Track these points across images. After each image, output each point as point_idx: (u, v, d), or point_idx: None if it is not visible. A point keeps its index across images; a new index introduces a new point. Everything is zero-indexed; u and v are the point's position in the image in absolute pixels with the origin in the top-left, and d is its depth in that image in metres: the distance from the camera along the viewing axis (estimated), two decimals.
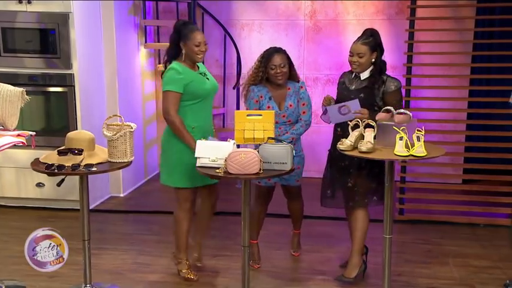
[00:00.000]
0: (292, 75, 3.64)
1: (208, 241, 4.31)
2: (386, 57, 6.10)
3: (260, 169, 2.86)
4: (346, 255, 3.81)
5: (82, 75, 4.85)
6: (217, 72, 6.06)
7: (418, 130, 2.96)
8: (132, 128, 3.10)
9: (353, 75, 3.50)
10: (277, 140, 3.05)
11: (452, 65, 5.19)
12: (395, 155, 2.89)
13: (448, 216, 4.72)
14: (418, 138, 2.93)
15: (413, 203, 4.86)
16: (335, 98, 3.58)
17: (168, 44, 3.52)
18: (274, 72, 3.53)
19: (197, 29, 3.45)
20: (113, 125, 3.12)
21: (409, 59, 4.82)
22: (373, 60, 3.40)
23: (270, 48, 3.62)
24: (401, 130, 2.91)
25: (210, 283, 3.60)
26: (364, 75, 3.43)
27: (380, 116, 3.18)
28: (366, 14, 5.92)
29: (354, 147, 3.04)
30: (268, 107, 3.56)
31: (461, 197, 5.01)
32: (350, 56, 3.43)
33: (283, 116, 3.58)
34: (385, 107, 3.23)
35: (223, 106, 6.29)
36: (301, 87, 3.65)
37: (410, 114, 3.16)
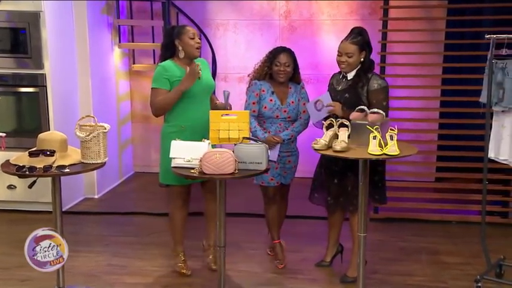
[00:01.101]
0: (295, 77, 3.68)
1: (184, 241, 4.29)
2: None
3: (235, 169, 2.86)
4: (322, 255, 3.84)
5: (54, 76, 4.77)
6: None
7: (391, 129, 3.00)
8: (105, 128, 3.06)
9: (341, 76, 3.52)
10: (252, 139, 3.05)
11: (425, 65, 5.27)
12: (369, 154, 2.91)
13: (421, 214, 4.79)
14: (391, 137, 2.96)
15: (388, 201, 4.90)
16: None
17: (160, 47, 3.56)
18: (278, 69, 3.58)
19: (188, 25, 3.52)
20: (86, 125, 3.08)
21: (383, 58, 4.88)
22: (362, 59, 3.40)
23: (280, 46, 3.69)
24: (375, 129, 2.94)
25: (186, 283, 3.58)
26: (351, 75, 3.44)
27: (354, 115, 3.21)
28: (340, 14, 5.97)
29: (328, 146, 3.06)
30: (271, 100, 3.61)
31: (434, 195, 5.10)
32: (338, 55, 3.41)
33: (285, 111, 3.62)
34: (359, 107, 3.26)
35: None
36: (302, 87, 3.72)
37: (383, 113, 3.19)
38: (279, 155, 3.62)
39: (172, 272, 3.73)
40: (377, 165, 3.42)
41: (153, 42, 6.09)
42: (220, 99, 3.67)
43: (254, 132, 3.59)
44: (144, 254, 4.05)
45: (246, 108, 3.61)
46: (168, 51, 3.48)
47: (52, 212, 3.11)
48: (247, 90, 3.71)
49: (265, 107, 3.62)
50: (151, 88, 3.43)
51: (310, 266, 3.84)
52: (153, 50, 6.19)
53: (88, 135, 2.97)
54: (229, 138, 3.08)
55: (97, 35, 5.44)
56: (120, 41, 5.97)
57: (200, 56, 3.59)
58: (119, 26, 5.93)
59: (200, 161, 2.86)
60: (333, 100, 3.40)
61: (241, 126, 3.09)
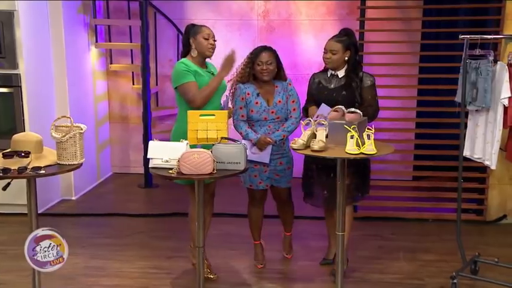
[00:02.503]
0: (280, 75, 3.65)
1: (162, 242, 4.28)
2: None
3: (213, 169, 2.85)
4: (303, 255, 3.86)
5: (29, 76, 4.70)
6: (170, 72, 5.98)
7: (368, 128, 3.03)
8: (82, 129, 3.02)
9: (329, 74, 3.57)
10: (230, 139, 3.05)
11: (402, 64, 5.33)
12: (347, 153, 2.94)
13: (399, 213, 4.84)
14: (368, 137, 2.99)
15: (366, 200, 4.95)
16: (306, 99, 3.65)
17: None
18: (261, 69, 3.54)
19: (205, 25, 3.49)
20: (62, 126, 3.03)
21: (360, 58, 4.90)
22: (347, 58, 3.49)
23: (260, 46, 3.66)
24: (352, 129, 2.96)
25: (165, 285, 3.57)
26: (341, 73, 3.53)
27: (331, 115, 3.23)
28: (318, 14, 6.00)
29: (307, 146, 3.08)
30: (257, 103, 3.56)
31: (411, 194, 5.16)
32: (324, 52, 3.52)
33: (272, 112, 3.57)
34: (336, 106, 3.29)
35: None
36: (289, 84, 3.65)
37: (361, 113, 3.22)
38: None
39: (150, 273, 3.71)
40: (365, 160, 3.50)
41: (131, 42, 6.04)
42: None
43: (246, 136, 3.54)
44: (122, 255, 4.02)
45: (234, 114, 3.57)
46: (185, 48, 3.49)
47: (27, 214, 3.06)
48: (232, 95, 3.64)
49: (251, 111, 3.55)
50: (179, 85, 3.36)
51: (293, 265, 3.85)
52: (131, 50, 6.15)
53: (64, 136, 2.93)
54: (207, 138, 3.06)
55: (73, 35, 5.37)
56: (97, 41, 5.91)
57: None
58: (96, 25, 5.87)
59: (178, 161, 2.85)
60: (329, 97, 3.46)
61: (220, 126, 3.07)
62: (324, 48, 3.52)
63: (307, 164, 3.66)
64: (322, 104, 3.42)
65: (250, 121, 3.60)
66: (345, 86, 3.49)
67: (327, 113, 3.32)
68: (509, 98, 3.46)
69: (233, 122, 3.60)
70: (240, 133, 3.58)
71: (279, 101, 3.58)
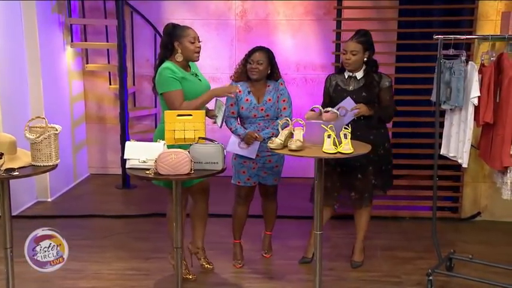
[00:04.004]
0: (273, 75, 3.68)
1: (141, 243, 4.25)
2: (315, 56, 6.26)
3: (191, 169, 2.85)
4: (281, 253, 3.87)
5: (2, 76, 4.63)
6: (148, 72, 5.97)
7: (345, 128, 3.05)
8: (56, 130, 2.98)
9: (346, 76, 3.59)
10: (208, 139, 3.04)
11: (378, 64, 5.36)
12: (324, 152, 2.95)
13: (376, 211, 4.87)
14: (345, 136, 3.01)
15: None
16: (323, 101, 3.69)
17: (160, 47, 3.45)
18: (250, 67, 3.59)
19: (190, 27, 3.42)
20: (36, 127, 2.99)
21: (337, 58, 4.95)
22: (365, 59, 3.52)
23: (256, 46, 3.70)
24: (329, 128, 2.98)
25: (143, 286, 3.54)
26: (359, 74, 3.56)
27: (308, 114, 3.25)
28: (296, 14, 6.02)
29: (284, 145, 3.09)
30: (247, 100, 3.62)
31: (388, 192, 5.19)
32: (343, 54, 3.54)
33: (262, 110, 3.62)
34: (312, 106, 3.31)
35: (155, 107, 6.20)
36: (281, 83, 3.70)
37: (338, 112, 3.25)
38: (258, 155, 3.64)
39: (129, 275, 3.68)
40: (389, 155, 3.65)
41: (107, 41, 5.98)
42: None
43: (235, 131, 3.62)
44: (100, 257, 3.98)
45: (225, 111, 3.57)
46: (168, 51, 3.38)
47: (0, 217, 3.01)
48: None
49: (242, 108, 3.63)
50: (165, 93, 3.30)
51: (269, 265, 3.87)
52: (107, 50, 6.09)
53: (38, 137, 2.89)
54: (184, 138, 3.05)
55: (48, 34, 5.30)
56: (72, 40, 5.84)
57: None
58: (71, 25, 5.80)
59: (155, 161, 2.83)
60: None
61: (197, 126, 3.07)
62: (343, 49, 3.54)
63: (328, 167, 3.61)
64: (348, 97, 3.45)
65: (240, 119, 3.69)
66: (365, 87, 3.53)
67: (349, 107, 3.41)
68: (478, 97, 3.52)
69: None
70: (230, 128, 3.66)
71: (269, 99, 3.64)
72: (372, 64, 3.58)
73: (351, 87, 3.58)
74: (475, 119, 3.61)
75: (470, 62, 3.56)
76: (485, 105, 3.50)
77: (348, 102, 3.45)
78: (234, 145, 3.65)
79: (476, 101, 3.52)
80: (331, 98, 3.64)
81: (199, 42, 3.40)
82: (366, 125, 3.52)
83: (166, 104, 3.34)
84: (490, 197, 4.79)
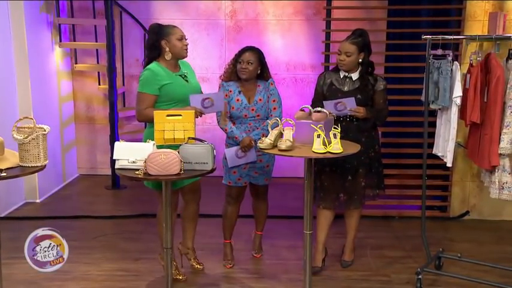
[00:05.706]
0: (263, 75, 3.68)
1: (130, 244, 4.23)
2: (304, 56, 6.26)
3: (181, 169, 2.84)
4: (271, 253, 3.87)
5: None
6: (137, 72, 5.94)
7: (334, 128, 3.06)
8: (45, 130, 2.96)
9: (342, 76, 3.57)
10: (197, 140, 3.04)
11: None
12: (314, 152, 2.96)
13: (366, 210, 4.89)
14: (335, 136, 3.02)
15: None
16: (313, 98, 3.66)
17: (147, 47, 3.42)
18: (240, 67, 3.58)
19: (175, 25, 3.41)
20: (24, 127, 2.97)
21: (327, 58, 4.97)
22: (361, 60, 3.50)
23: (246, 46, 3.69)
24: (319, 128, 2.99)
25: (132, 287, 3.53)
26: (355, 75, 3.54)
27: (298, 114, 3.26)
28: (285, 14, 6.03)
29: (274, 145, 3.09)
30: (238, 100, 3.61)
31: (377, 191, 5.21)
32: (338, 54, 3.52)
33: (252, 110, 3.61)
34: (302, 106, 3.32)
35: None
36: (271, 84, 3.70)
37: (327, 112, 3.25)
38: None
39: (118, 276, 3.66)
40: (379, 157, 3.65)
41: (96, 41, 5.95)
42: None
43: (231, 133, 3.59)
44: (89, 258, 3.95)
45: (217, 112, 3.58)
46: (155, 51, 3.35)
47: None
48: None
49: (232, 108, 3.61)
50: (138, 92, 3.30)
51: (259, 265, 3.87)
52: (97, 50, 6.05)
53: (26, 138, 2.87)
54: (174, 138, 3.04)
55: (36, 34, 5.26)
56: (61, 40, 5.80)
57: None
58: (60, 24, 5.76)
59: (145, 162, 2.82)
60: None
61: (187, 127, 3.06)
62: (338, 50, 3.52)
63: (320, 167, 3.63)
64: (353, 98, 3.42)
65: (231, 118, 3.66)
66: (360, 88, 3.52)
67: (349, 107, 3.39)
68: (466, 97, 3.55)
69: (217, 119, 3.66)
70: (225, 130, 3.63)
71: (260, 99, 3.63)
72: (368, 65, 3.55)
73: (345, 88, 3.56)
74: (462, 119, 3.63)
75: (455, 62, 3.58)
76: (472, 105, 3.52)
77: (351, 102, 3.42)
78: (234, 159, 3.62)
79: (459, 101, 3.54)
80: (325, 96, 3.59)
81: (186, 40, 3.40)
82: (358, 128, 3.53)
83: (136, 102, 3.35)
84: (478, 196, 4.83)
